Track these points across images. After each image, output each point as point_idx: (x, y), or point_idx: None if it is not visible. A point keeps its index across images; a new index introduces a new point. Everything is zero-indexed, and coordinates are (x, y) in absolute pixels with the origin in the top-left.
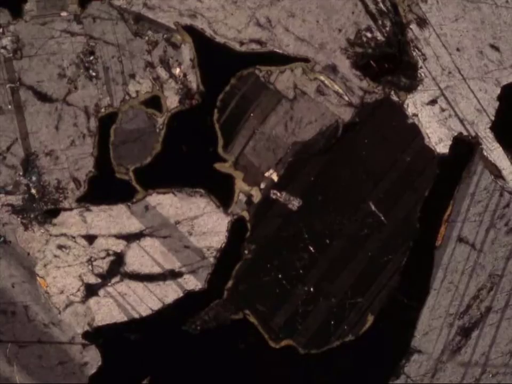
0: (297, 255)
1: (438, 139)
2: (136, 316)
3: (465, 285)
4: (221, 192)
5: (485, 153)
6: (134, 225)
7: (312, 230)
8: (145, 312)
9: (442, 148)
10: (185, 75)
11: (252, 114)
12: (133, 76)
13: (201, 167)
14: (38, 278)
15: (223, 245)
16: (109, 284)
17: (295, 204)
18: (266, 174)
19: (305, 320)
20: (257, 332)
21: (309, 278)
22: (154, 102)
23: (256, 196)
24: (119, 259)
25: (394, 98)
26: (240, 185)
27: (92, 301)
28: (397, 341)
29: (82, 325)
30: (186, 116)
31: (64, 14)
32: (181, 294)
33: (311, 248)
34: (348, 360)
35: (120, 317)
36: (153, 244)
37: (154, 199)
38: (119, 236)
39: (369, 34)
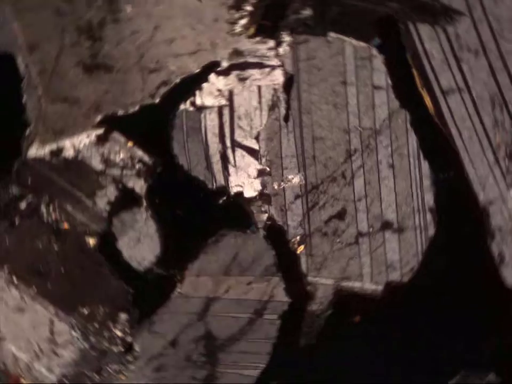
0: (333, 210)
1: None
2: (261, 368)
3: None
4: (240, 219)
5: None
6: (197, 304)
7: (324, 185)
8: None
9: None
10: (132, 157)
11: (207, 140)
12: (93, 194)
13: (207, 213)
14: None
15: (274, 255)
16: (217, 365)
17: (300, 178)
18: (258, 177)
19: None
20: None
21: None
22: (127, 197)
23: (265, 201)
24: (209, 336)
25: (300, 32)
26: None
27: None
28: None
29: None
30: (159, 187)
31: None
32: (278, 321)
33: (341, 200)
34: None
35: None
36: (224, 305)
37: (194, 270)
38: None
39: (241, 3)
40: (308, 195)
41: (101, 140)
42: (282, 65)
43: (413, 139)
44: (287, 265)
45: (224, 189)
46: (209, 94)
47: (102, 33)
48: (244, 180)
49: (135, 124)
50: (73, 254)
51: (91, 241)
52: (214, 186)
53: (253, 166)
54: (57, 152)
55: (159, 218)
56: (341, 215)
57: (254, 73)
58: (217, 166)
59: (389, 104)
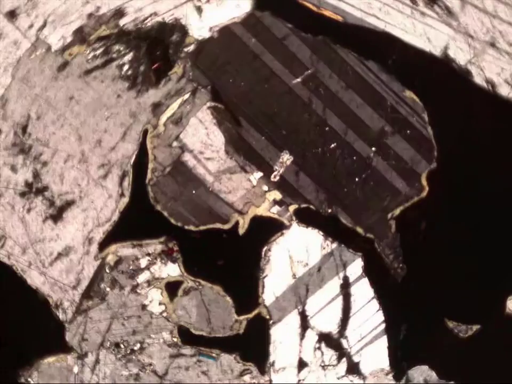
0: (332, 158)
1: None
2: (384, 325)
3: None
4: (269, 227)
5: None
6: (294, 320)
7: (309, 145)
8: (383, 319)
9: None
10: (147, 254)
11: (193, 190)
12: (144, 308)
13: (243, 245)
14: None
15: (319, 231)
16: (348, 353)
17: (286, 156)
18: (255, 182)
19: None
20: None
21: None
22: (170, 287)
23: (275, 194)
24: (323, 336)
25: (191, 47)
26: (260, 211)
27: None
28: None
29: None
30: (188, 256)
31: None
32: (365, 278)
33: (332, 144)
34: None
35: (383, 341)
36: (315, 303)
37: (271, 297)
38: None
39: (126, 67)
40: (303, 165)
41: (111, 262)
42: (198, 84)
43: (345, 53)
44: (335, 231)
45: (238, 215)
46: (163, 152)
47: (43, 180)
48: (246, 194)
49: (126, 228)
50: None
51: (175, 339)
52: (229, 220)
53: (244, 178)
54: (86, 297)
55: (209, 280)
56: (342, 158)
57: (183, 108)
58: (217, 204)
59: (305, 43)
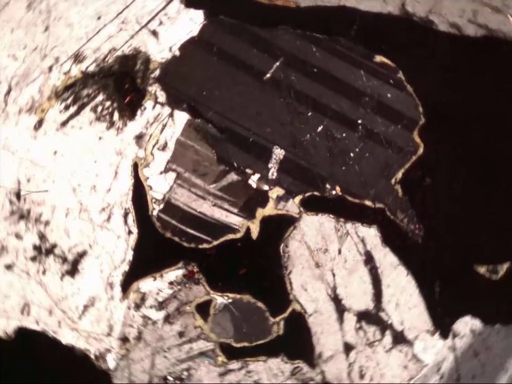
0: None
1: None
2: (416, 293)
3: None
4: (281, 225)
5: None
6: (328, 308)
7: (300, 134)
8: (415, 286)
9: None
10: (170, 282)
11: (198, 209)
12: (182, 336)
13: (260, 249)
14: None
15: (329, 215)
16: (389, 325)
17: (278, 151)
18: (255, 185)
19: None
20: None
21: None
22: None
23: (277, 191)
24: (362, 315)
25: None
26: (268, 211)
27: None
28: None
29: None
30: (209, 275)
31: None
32: (386, 248)
33: (323, 124)
34: None
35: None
36: (345, 284)
37: (298, 292)
38: None
39: (100, 108)
40: (297, 154)
41: (137, 300)
42: (173, 106)
43: (307, 37)
44: (345, 210)
45: (247, 222)
46: (158, 181)
47: (50, 239)
48: (249, 199)
49: (143, 264)
50: None
51: (220, 359)
52: (240, 229)
53: (243, 184)
54: (123, 341)
55: (236, 291)
56: (332, 138)
57: (165, 133)
58: (223, 216)
59: (266, 38)
